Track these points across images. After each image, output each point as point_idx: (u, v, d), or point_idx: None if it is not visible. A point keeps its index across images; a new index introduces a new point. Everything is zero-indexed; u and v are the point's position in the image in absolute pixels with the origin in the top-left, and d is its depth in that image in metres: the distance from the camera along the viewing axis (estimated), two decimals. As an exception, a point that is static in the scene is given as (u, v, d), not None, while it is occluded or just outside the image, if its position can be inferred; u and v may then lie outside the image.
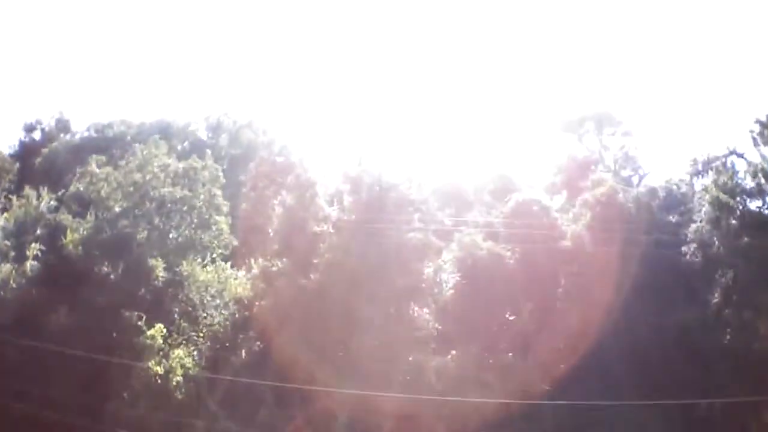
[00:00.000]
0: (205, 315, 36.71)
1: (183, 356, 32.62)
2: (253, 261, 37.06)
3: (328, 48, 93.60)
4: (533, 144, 50.80)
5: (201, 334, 36.36)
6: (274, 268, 35.60)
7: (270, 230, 37.19)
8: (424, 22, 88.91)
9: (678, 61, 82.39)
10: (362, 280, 33.17)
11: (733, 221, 37.39)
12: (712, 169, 39.30)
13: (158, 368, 31.73)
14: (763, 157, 41.07)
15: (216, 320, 36.69)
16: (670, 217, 38.25)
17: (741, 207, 38.88)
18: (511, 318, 33.12)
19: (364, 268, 33.44)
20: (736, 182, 39.53)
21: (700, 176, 40.47)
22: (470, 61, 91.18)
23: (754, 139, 41.25)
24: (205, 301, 36.86)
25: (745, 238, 37.28)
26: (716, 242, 36.73)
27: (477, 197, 42.70)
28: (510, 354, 32.62)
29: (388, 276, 33.36)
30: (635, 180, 46.25)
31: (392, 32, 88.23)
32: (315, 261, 34.91)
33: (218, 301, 36.82)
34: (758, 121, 41.76)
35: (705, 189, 38.11)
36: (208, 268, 37.86)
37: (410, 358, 32.39)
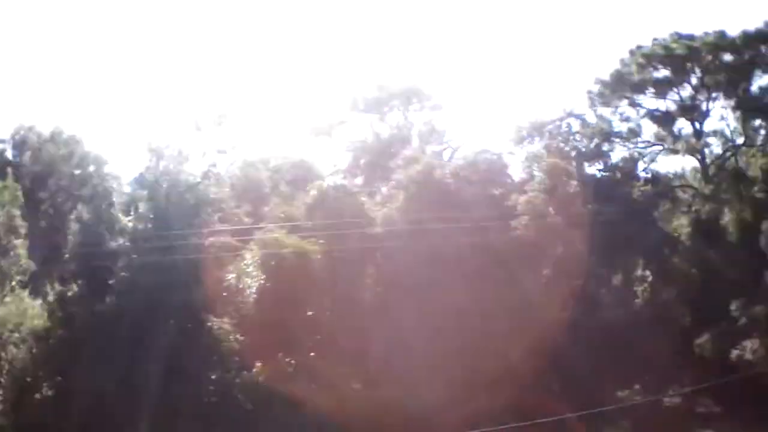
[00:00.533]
0: (3, 354, 33.09)
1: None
2: (49, 287, 33.43)
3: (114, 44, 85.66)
4: (332, 127, 46.51)
5: (3, 374, 32.82)
6: (70, 293, 32.15)
7: (65, 250, 33.58)
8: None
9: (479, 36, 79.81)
10: (157, 298, 29.86)
11: (570, 189, 35.33)
12: (540, 135, 37.07)
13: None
14: (600, 117, 39.32)
15: (19, 357, 33.16)
16: (494, 191, 35.58)
17: (579, 172, 36.97)
18: (317, 317, 30.15)
19: (159, 285, 30.09)
20: (574, 146, 37.55)
21: (527, 143, 38.17)
22: (259, 37, 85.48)
23: (591, 99, 39.44)
24: (3, 338, 33.24)
25: (587, 205, 35.38)
26: (552, 212, 34.44)
27: (274, 189, 39.43)
28: (313, 354, 29.76)
29: (185, 289, 30.11)
30: (447, 154, 43.37)
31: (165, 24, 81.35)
32: (111, 282, 31.53)
33: (17, 335, 33.24)
34: (599, 81, 40.00)
35: (536, 156, 35.81)
36: (7, 299, 34.19)
37: (213, 377, 29.28)
